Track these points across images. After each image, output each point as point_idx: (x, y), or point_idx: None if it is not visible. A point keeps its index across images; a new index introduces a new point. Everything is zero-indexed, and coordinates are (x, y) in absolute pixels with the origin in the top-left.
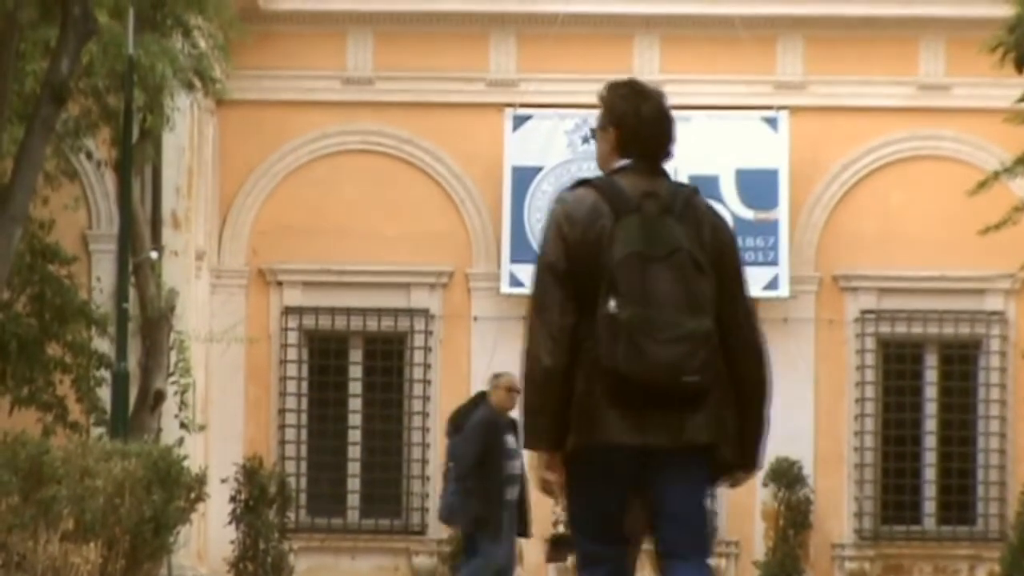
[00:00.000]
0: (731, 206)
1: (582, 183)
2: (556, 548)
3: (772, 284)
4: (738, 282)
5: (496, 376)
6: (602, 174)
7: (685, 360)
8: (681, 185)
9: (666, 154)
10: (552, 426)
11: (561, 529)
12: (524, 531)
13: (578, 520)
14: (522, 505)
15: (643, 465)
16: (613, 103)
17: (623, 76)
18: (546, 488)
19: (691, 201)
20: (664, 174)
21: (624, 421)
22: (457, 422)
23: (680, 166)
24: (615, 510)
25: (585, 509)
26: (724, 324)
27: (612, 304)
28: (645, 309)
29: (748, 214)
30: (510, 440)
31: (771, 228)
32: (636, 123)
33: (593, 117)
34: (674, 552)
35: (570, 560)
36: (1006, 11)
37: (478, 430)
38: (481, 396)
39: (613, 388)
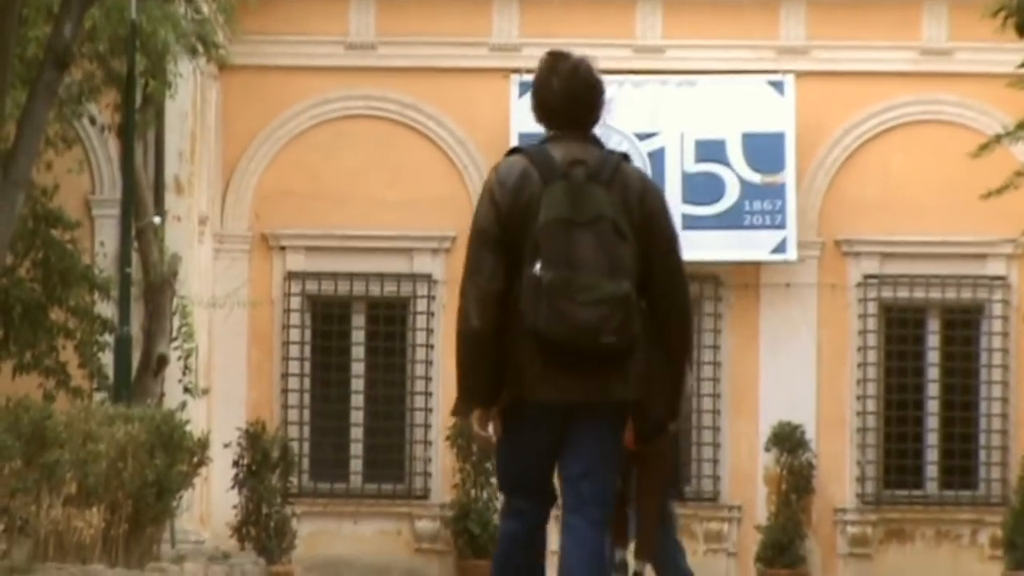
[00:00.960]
0: (738, 170)
1: (515, 151)
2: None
3: (780, 248)
4: (667, 246)
5: None
6: (533, 144)
7: (603, 322)
8: (611, 153)
9: (587, 123)
10: (482, 385)
11: None
12: (679, 494)
13: (502, 473)
14: (675, 470)
15: (566, 420)
16: (534, 74)
17: (625, 41)
18: (483, 444)
19: (619, 169)
20: (596, 142)
21: (550, 379)
22: None
23: (686, 130)
24: (538, 465)
25: (509, 463)
26: (652, 287)
27: (537, 267)
28: (567, 272)
29: (755, 178)
30: None
31: (778, 192)
32: (545, 94)
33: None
34: (575, 507)
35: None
36: None
37: None
38: None
39: (537, 347)
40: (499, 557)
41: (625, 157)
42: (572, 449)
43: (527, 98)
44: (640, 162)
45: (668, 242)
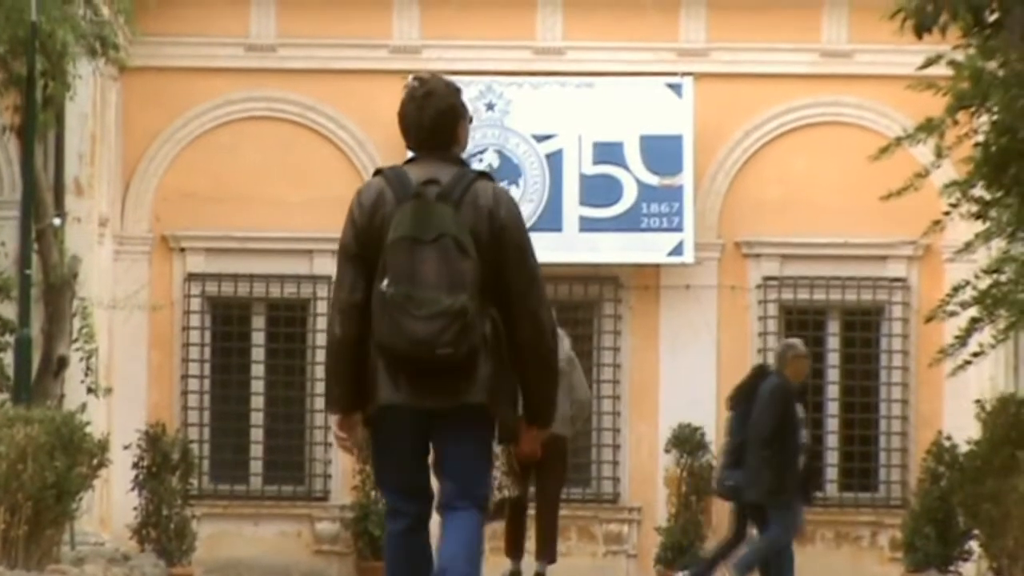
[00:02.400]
0: (636, 172)
1: (377, 172)
2: (501, 508)
3: (677, 250)
4: (518, 257)
5: (790, 346)
6: (395, 165)
7: (438, 335)
8: (468, 173)
9: (442, 145)
10: (343, 391)
11: (505, 493)
12: (808, 499)
13: (379, 476)
14: (809, 474)
15: (430, 426)
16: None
17: (525, 43)
18: (343, 447)
19: (471, 187)
20: (456, 162)
21: (402, 386)
22: (740, 396)
23: (584, 133)
24: (410, 467)
25: (383, 466)
26: (506, 296)
27: (385, 282)
28: (409, 288)
29: (653, 180)
30: (800, 409)
31: (676, 194)
32: (403, 119)
33: (497, 83)
34: (448, 503)
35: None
36: None
37: (774, 399)
38: (761, 368)
39: (385, 358)
40: (388, 559)
41: (483, 175)
42: (440, 453)
43: None
44: (538, 164)
45: (518, 252)
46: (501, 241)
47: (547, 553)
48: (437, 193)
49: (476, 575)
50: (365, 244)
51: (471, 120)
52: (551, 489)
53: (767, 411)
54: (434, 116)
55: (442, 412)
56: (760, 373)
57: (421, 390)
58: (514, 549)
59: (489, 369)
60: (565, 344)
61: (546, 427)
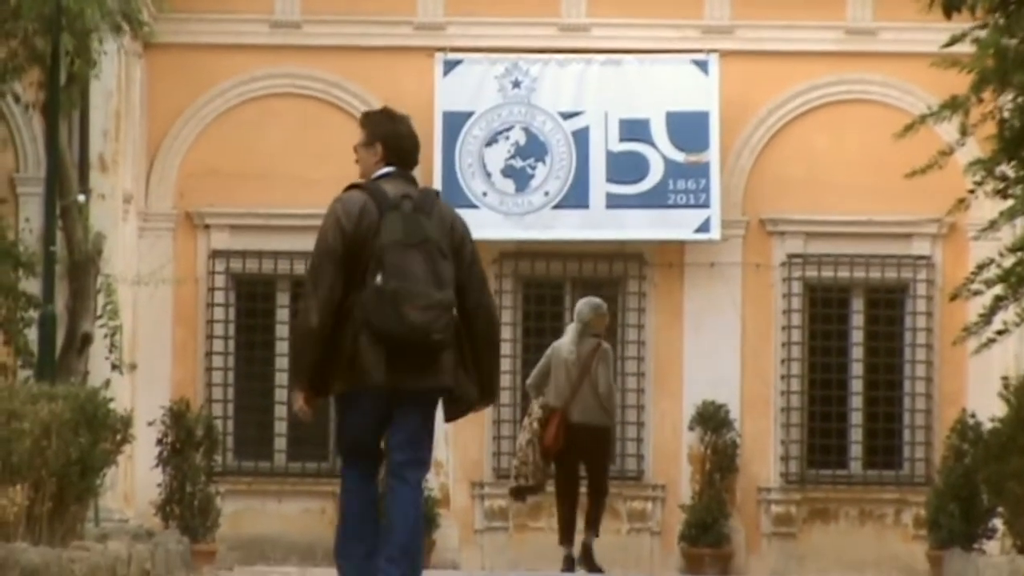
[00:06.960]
0: (662, 149)
1: (353, 186)
2: (518, 494)
3: (704, 227)
4: (473, 261)
5: None
6: (368, 180)
7: (433, 322)
8: (427, 190)
9: (414, 164)
10: (310, 372)
11: (520, 482)
12: None
13: (342, 441)
14: None
15: (393, 402)
16: (375, 125)
17: (550, 20)
18: (304, 418)
19: (435, 203)
20: (414, 180)
21: (387, 370)
22: None
23: (611, 110)
24: (370, 435)
25: (348, 434)
26: (463, 293)
27: (379, 278)
28: (403, 283)
29: (679, 157)
30: None
31: (702, 171)
32: (396, 140)
33: (523, 61)
34: (397, 473)
35: (529, 500)
36: None
37: None
38: None
39: (374, 344)
40: (345, 501)
41: (438, 194)
42: (398, 425)
43: (452, 77)
44: (564, 141)
45: (473, 257)
46: (461, 248)
47: (592, 528)
48: (412, 206)
49: (419, 540)
50: (351, 247)
51: None
52: (596, 477)
53: None
54: (417, 141)
55: (409, 391)
56: None
57: (402, 373)
58: (566, 537)
59: (453, 358)
60: (609, 353)
61: (493, 400)
